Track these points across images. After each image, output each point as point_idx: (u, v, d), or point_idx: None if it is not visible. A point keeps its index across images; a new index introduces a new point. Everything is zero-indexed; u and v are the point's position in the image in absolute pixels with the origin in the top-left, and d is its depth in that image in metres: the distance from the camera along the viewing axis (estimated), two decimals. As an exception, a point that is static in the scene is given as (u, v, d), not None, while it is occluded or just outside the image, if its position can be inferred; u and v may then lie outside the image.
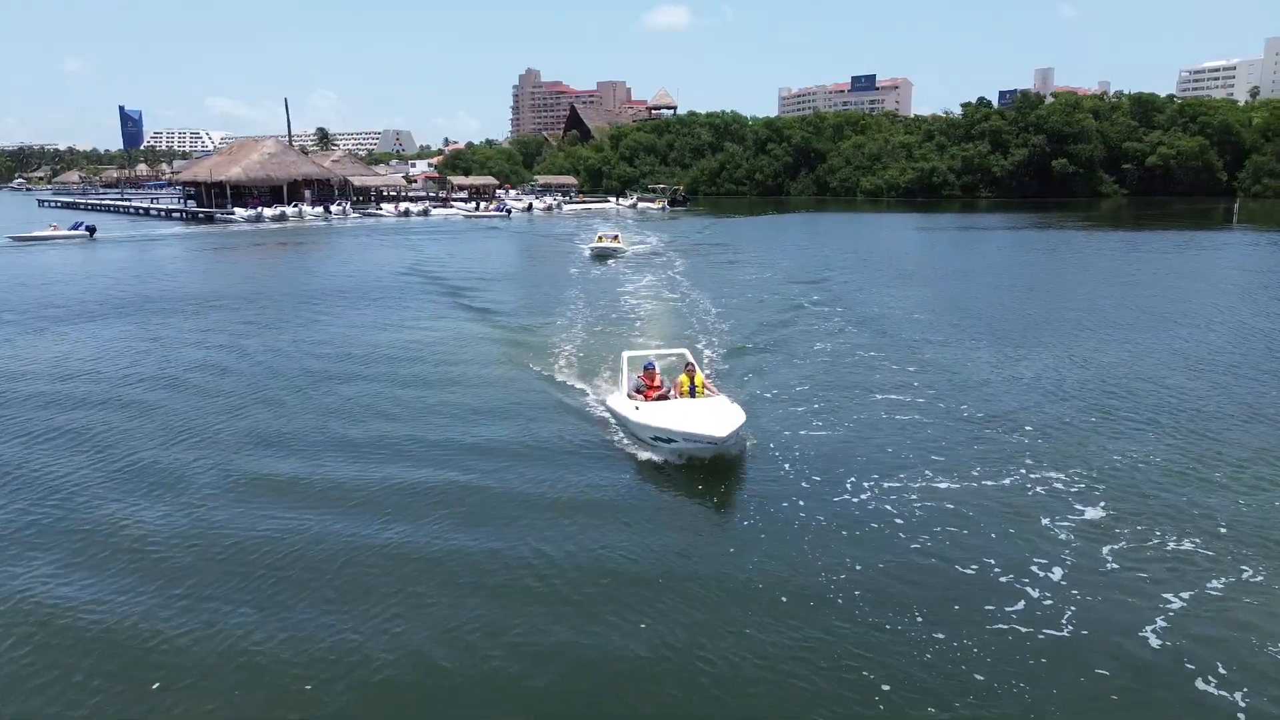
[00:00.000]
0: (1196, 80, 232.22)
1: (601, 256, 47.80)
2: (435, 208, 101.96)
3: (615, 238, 51.00)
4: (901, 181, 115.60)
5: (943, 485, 13.30)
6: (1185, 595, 9.99)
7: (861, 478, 13.59)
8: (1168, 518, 12.07)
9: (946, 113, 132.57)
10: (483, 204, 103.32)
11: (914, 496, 12.85)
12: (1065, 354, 22.65)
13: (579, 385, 19.44)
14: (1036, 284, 37.70)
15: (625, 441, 15.21)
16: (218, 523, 12.11)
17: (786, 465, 14.24)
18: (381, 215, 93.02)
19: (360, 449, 15.11)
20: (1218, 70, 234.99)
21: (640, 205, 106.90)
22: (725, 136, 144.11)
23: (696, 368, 16.32)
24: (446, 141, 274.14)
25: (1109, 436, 15.69)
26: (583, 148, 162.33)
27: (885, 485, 13.30)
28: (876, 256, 49.42)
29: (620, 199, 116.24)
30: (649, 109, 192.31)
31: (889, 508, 12.44)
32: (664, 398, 15.49)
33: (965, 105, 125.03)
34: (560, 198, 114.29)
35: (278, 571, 10.68)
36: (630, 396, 15.77)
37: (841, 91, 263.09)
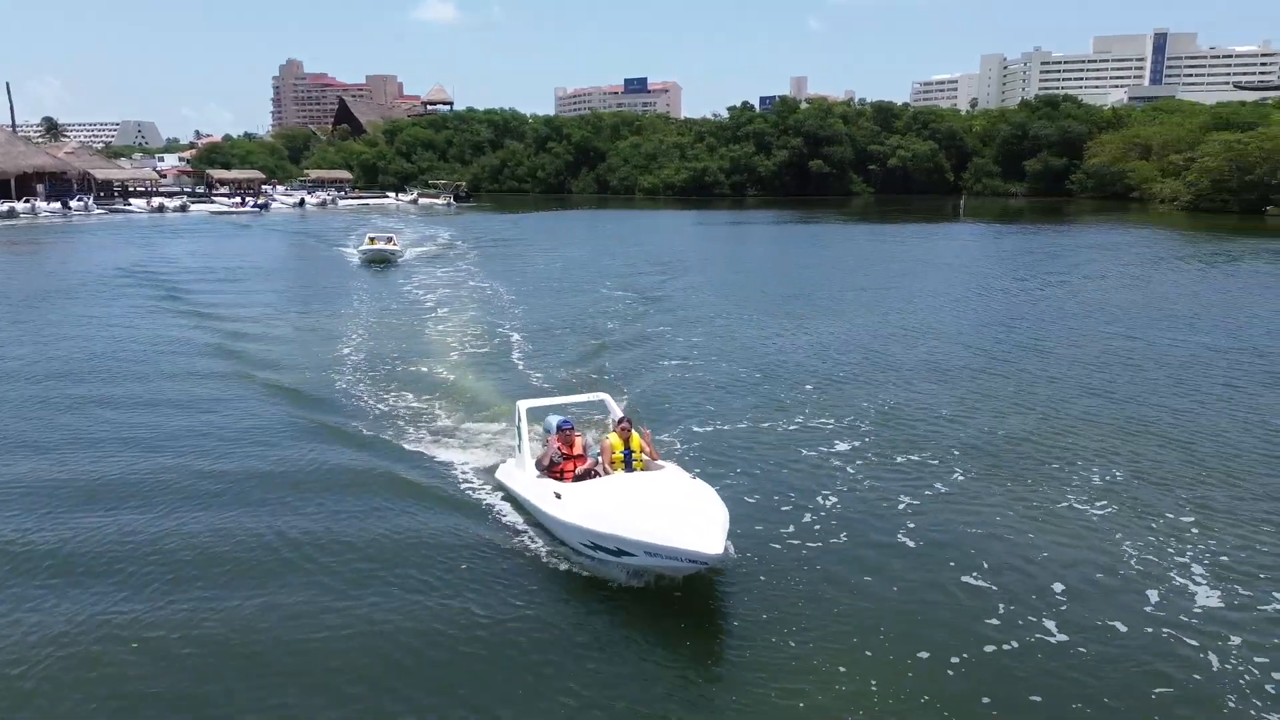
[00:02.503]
0: (926, 91, 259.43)
1: (374, 261, 41.78)
2: (195, 203, 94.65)
3: (390, 239, 44.66)
4: (676, 181, 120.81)
5: (726, 428, 15.38)
6: (923, 494, 12.19)
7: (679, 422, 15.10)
8: (908, 441, 14.74)
9: (715, 115, 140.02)
10: (249, 199, 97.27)
11: (706, 431, 14.41)
12: (826, 324, 25.56)
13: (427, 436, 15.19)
14: (800, 267, 41.49)
15: (528, 541, 10.95)
16: None
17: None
18: (132, 211, 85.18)
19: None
20: (944, 82, 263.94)
21: (423, 201, 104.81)
22: (505, 134, 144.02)
23: (632, 424, 11.64)
24: (198, 134, 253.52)
25: (866, 387, 18.17)
26: (355, 142, 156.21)
27: (695, 430, 15.02)
28: (673, 250, 51.89)
29: (400, 195, 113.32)
30: (424, 104, 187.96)
31: (700, 445, 13.94)
32: (590, 473, 11.26)
33: (731, 109, 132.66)
34: (334, 193, 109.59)
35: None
36: (540, 472, 11.43)
37: (616, 93, 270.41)
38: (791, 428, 15.58)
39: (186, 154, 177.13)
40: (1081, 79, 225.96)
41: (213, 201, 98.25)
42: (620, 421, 11.68)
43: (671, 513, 9.49)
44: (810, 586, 9.86)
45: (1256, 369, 19.98)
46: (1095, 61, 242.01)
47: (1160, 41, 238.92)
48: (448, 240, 56.39)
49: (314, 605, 9.42)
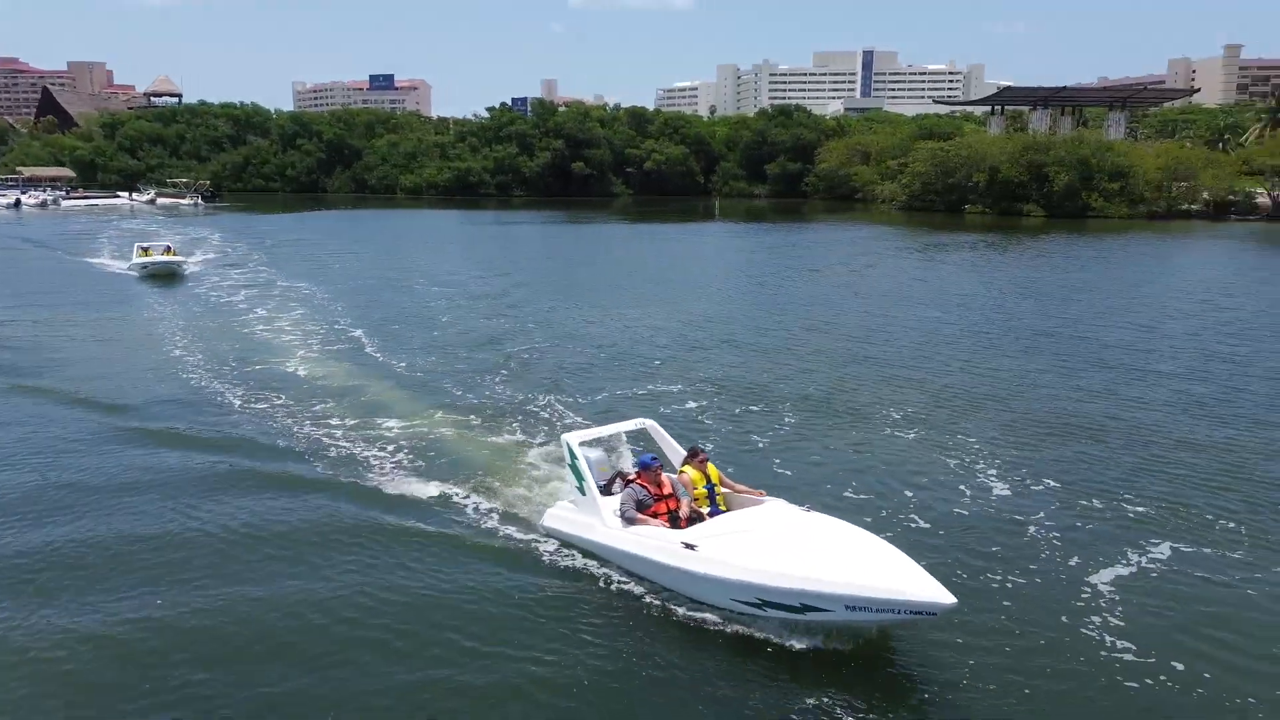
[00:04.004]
0: (670, 97, 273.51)
1: (157, 275, 37.20)
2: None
3: (168, 249, 40.19)
4: (440, 180, 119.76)
5: (584, 401, 17.15)
6: (767, 435, 14.90)
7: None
8: (752, 395, 17.47)
9: (475, 115, 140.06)
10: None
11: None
12: (605, 311, 28.28)
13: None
14: (593, 261, 44.16)
15: (640, 600, 9.85)
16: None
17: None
18: None
19: None
20: (685, 89, 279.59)
21: (163, 201, 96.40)
22: (248, 129, 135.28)
23: (705, 454, 10.90)
24: None
25: (695, 354, 21.01)
26: (65, 136, 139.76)
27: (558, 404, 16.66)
28: (467, 248, 52.47)
29: (135, 195, 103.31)
30: (147, 96, 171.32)
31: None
32: (689, 516, 10.29)
33: (491, 109, 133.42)
34: (54, 193, 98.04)
35: None
36: (628, 518, 10.28)
37: (361, 89, 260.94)
38: (642, 393, 18.10)
39: None
40: (804, 89, 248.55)
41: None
42: (695, 454, 10.81)
43: (858, 557, 8.73)
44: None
45: (965, 330, 25.14)
46: (816, 74, 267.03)
47: (868, 58, 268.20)
48: (219, 242, 53.34)
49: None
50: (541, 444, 14.90)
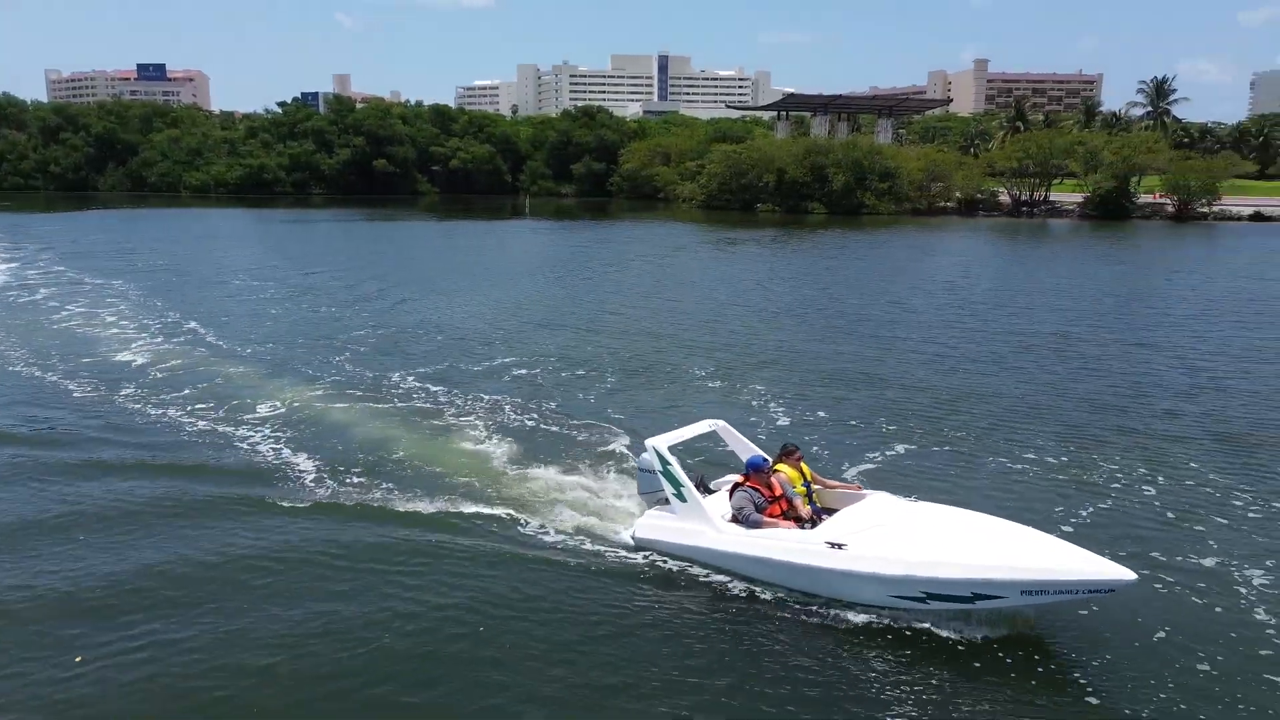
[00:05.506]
0: (470, 95, 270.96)
1: None
2: None
3: None
4: (230, 178, 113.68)
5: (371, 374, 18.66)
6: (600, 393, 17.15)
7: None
8: (576, 363, 19.65)
9: (267, 110, 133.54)
10: None
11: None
12: (400, 303, 29.63)
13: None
14: (409, 257, 44.82)
15: (776, 608, 9.66)
16: None
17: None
18: None
19: None
20: (486, 88, 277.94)
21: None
22: (1, 121, 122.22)
23: (799, 452, 10.98)
24: None
25: (521, 330, 23.06)
26: None
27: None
28: (275, 242, 50.95)
29: None
30: None
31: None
32: (795, 518, 10.33)
33: (284, 104, 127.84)
34: None
35: None
36: (752, 522, 10.16)
37: (128, 79, 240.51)
38: (478, 368, 19.89)
39: None
40: (604, 91, 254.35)
41: None
42: (790, 451, 10.85)
43: (1011, 542, 9.02)
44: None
45: (749, 308, 28.68)
46: (614, 77, 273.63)
47: (664, 62, 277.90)
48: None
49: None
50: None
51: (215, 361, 20.45)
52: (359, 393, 17.94)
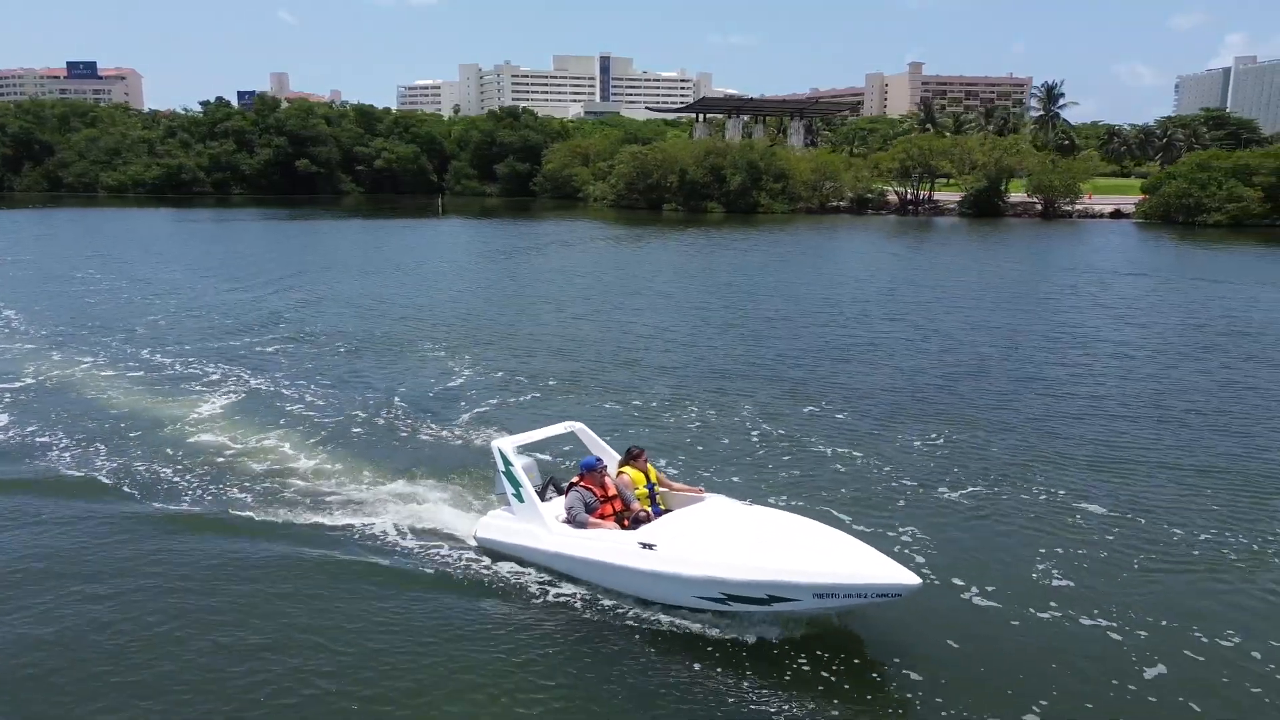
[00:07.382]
0: (411, 95, 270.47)
1: None
2: None
3: None
4: (149, 178, 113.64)
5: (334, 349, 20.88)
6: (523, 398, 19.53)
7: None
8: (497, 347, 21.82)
9: (186, 110, 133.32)
10: None
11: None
12: (316, 293, 31.79)
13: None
14: (327, 257, 46.68)
15: (592, 609, 9.92)
16: None
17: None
18: None
19: None
20: (427, 88, 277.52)
21: None
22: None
23: (644, 454, 11.18)
24: None
25: (459, 322, 25.23)
26: None
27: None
28: (200, 245, 52.30)
29: None
30: None
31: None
32: (627, 517, 10.49)
33: (205, 104, 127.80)
34: None
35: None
36: (579, 522, 10.37)
37: (58, 77, 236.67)
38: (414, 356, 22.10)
39: None
40: (546, 92, 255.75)
41: None
42: (633, 454, 10.97)
43: (816, 546, 9.14)
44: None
45: (648, 299, 31.40)
46: (556, 77, 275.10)
47: (606, 64, 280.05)
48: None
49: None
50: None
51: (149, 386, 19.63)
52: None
